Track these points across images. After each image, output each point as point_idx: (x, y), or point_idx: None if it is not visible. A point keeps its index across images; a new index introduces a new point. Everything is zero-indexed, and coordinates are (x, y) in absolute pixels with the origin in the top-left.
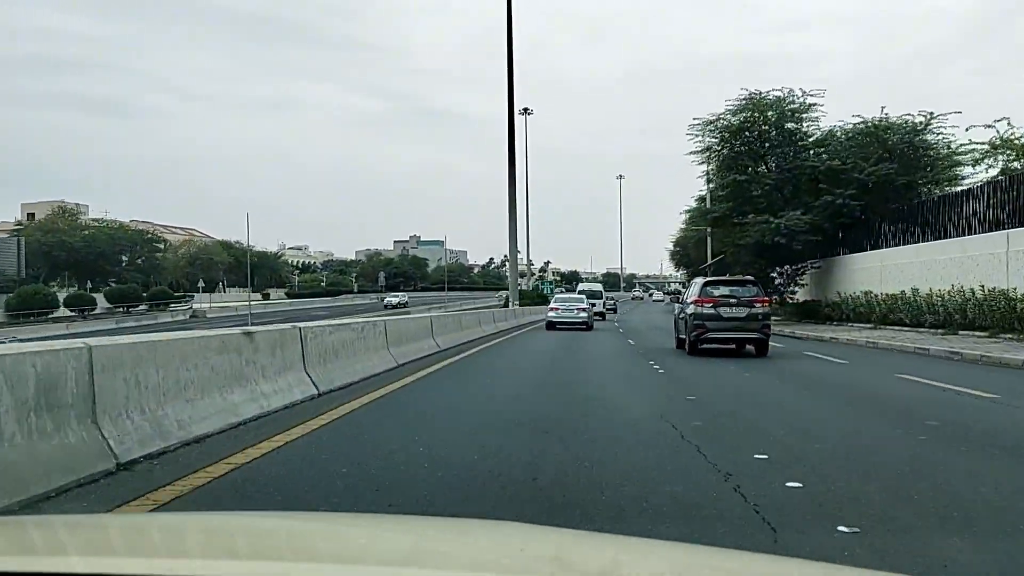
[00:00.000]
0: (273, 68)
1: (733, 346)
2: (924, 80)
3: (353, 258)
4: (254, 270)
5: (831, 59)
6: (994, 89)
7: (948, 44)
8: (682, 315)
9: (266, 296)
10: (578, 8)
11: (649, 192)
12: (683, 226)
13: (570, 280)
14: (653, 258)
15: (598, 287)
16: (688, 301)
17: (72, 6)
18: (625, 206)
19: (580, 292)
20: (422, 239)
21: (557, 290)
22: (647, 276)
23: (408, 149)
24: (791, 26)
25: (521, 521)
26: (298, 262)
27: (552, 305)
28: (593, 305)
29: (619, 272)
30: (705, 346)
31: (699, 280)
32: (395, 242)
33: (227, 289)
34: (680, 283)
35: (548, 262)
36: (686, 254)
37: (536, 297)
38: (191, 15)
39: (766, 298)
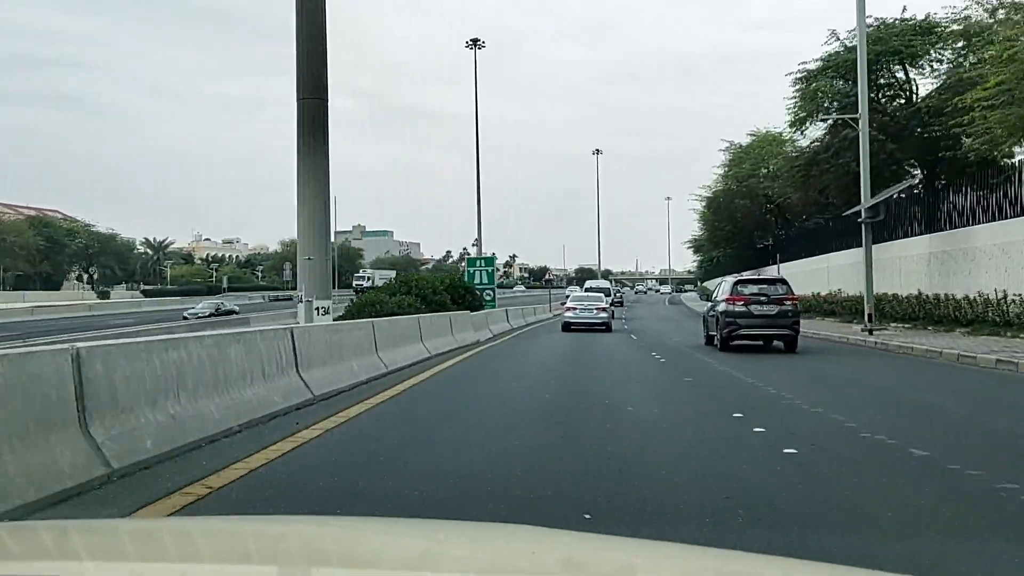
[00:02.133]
0: (238, 64)
1: (761, 343)
2: None
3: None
4: (96, 258)
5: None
6: None
7: None
8: (712, 313)
9: (104, 295)
10: (548, 4)
11: (622, 192)
12: (721, 171)
13: (538, 276)
14: (627, 255)
15: (606, 284)
16: (719, 299)
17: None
18: (596, 206)
19: (588, 290)
20: (368, 229)
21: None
22: (622, 272)
23: (372, 146)
24: (765, 24)
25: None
26: (209, 255)
27: (569, 305)
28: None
29: (595, 268)
30: (735, 343)
31: (730, 279)
32: (336, 232)
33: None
34: (654, 279)
35: (514, 255)
36: (733, 216)
37: (450, 290)
38: (145, 7)
39: (795, 296)
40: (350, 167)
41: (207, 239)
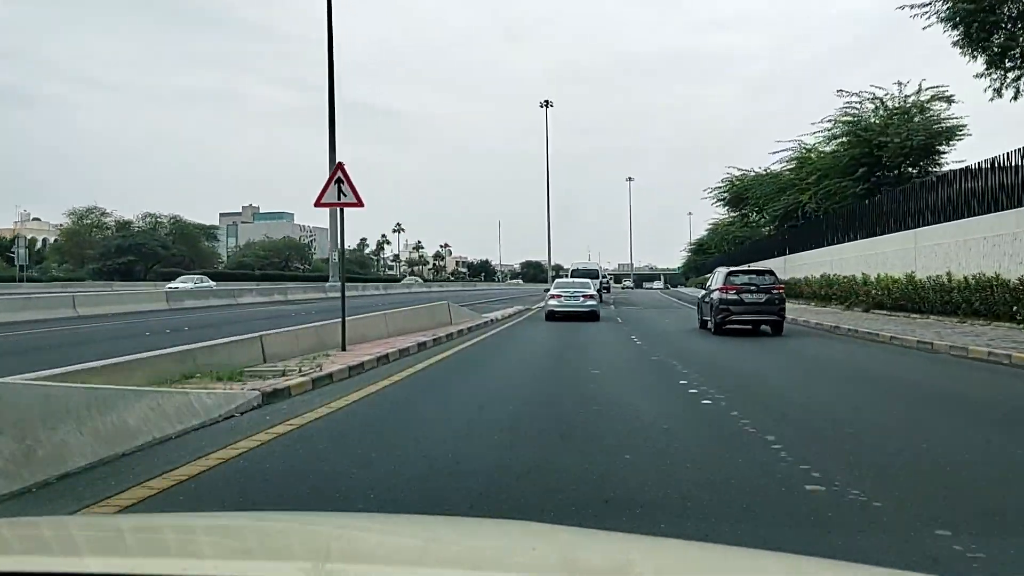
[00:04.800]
0: (182, 56)
1: (750, 327)
2: (839, 81)
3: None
4: None
5: (753, 59)
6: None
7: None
8: (707, 299)
9: None
10: (497, 4)
11: (570, 187)
12: None
13: (478, 272)
14: (579, 250)
15: (594, 266)
16: (713, 288)
17: None
18: (545, 203)
19: (573, 274)
20: (262, 211)
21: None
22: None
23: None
24: (712, 25)
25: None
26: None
27: (553, 292)
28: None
29: (544, 262)
30: (728, 327)
31: (722, 270)
32: (221, 215)
33: None
34: (609, 275)
35: (447, 245)
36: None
37: None
38: None
39: (781, 285)
40: (307, 161)
41: (36, 219)
